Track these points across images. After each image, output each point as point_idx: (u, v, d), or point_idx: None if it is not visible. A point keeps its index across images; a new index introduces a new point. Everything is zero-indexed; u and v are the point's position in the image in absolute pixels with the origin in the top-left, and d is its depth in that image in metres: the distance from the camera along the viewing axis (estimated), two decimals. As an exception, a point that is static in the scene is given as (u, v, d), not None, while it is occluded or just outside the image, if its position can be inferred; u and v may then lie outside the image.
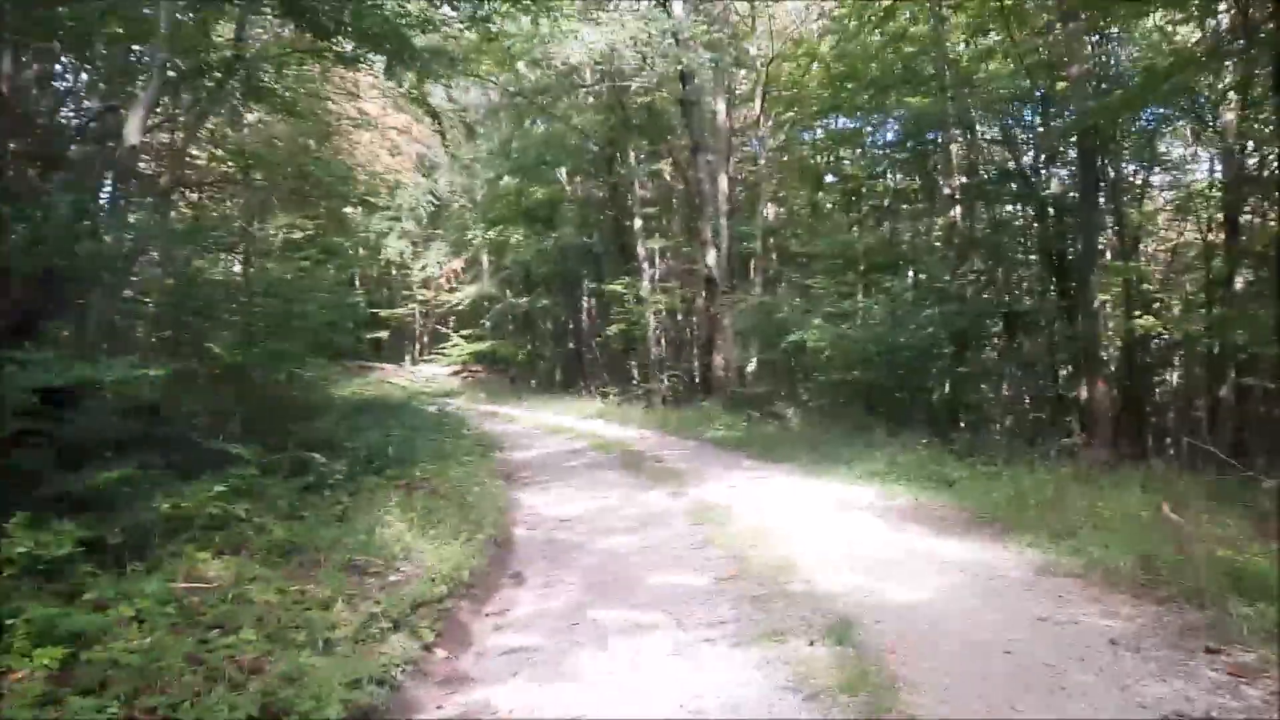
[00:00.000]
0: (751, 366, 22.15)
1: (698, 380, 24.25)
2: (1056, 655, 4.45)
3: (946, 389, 16.00)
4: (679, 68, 18.34)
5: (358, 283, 44.26)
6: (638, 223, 26.02)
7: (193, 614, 4.31)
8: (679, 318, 26.84)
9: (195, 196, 26.01)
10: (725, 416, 16.89)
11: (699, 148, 20.40)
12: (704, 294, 21.35)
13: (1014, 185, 18.99)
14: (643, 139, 26.24)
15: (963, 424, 15.30)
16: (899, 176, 24.17)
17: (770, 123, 24.54)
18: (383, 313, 41.76)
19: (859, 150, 23.94)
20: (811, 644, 4.65)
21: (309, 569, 5.45)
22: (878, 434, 13.02)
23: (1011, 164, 19.14)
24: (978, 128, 19.72)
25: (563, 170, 30.04)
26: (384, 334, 43.71)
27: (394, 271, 41.91)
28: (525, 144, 27.87)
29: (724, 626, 5.01)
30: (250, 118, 25.25)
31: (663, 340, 26.20)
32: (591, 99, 25.30)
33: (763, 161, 24.73)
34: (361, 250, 40.61)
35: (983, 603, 5.40)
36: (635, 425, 17.94)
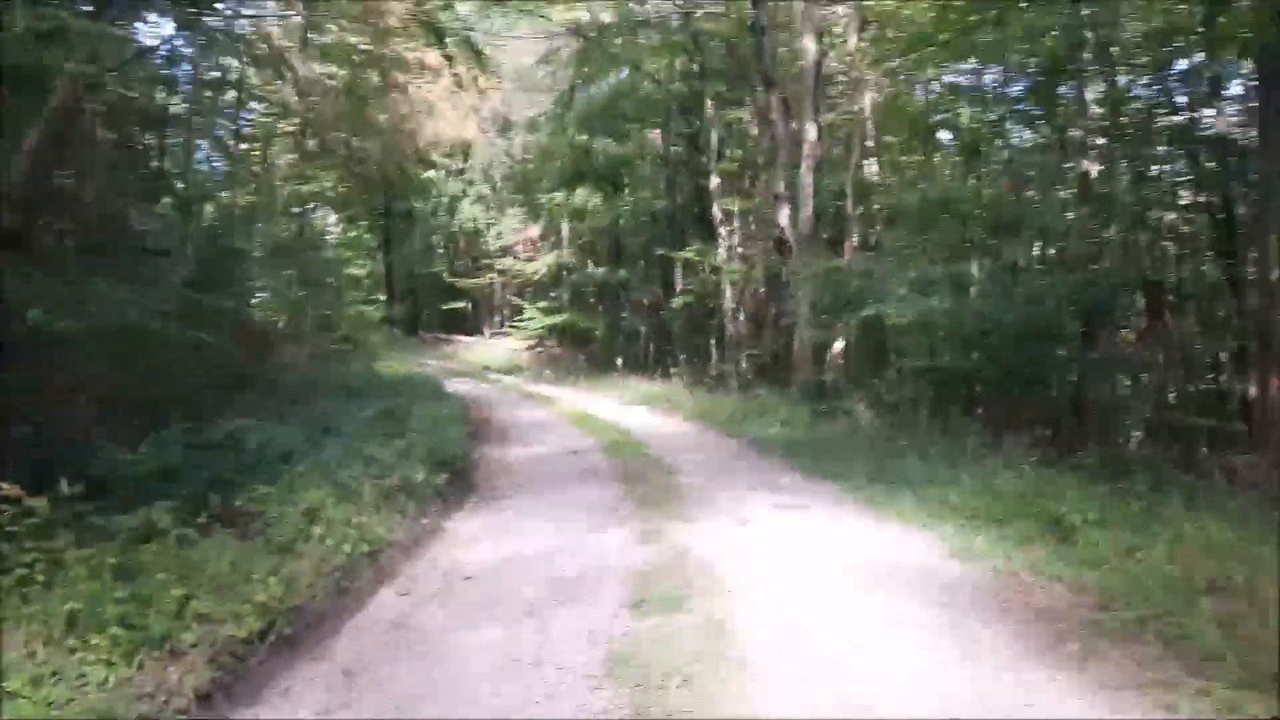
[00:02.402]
0: (838, 346, 18.59)
1: (779, 362, 21.04)
2: None
3: (1068, 382, 12.45)
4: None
5: (441, 249, 42.54)
6: (714, 181, 22.84)
7: None
8: (761, 290, 23.51)
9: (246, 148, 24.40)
10: (787, 409, 13.68)
11: (771, 81, 17.09)
12: (780, 260, 18.10)
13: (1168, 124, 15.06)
14: (721, 84, 22.99)
15: (1089, 431, 11.73)
16: (1025, 136, 20.53)
17: (867, 62, 20.87)
18: (460, 282, 39.76)
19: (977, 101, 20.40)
20: None
21: None
22: (971, 442, 9.68)
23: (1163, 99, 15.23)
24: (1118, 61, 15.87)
25: (641, 126, 27.01)
26: (463, 305, 41.77)
27: (479, 239, 39.66)
28: (593, 94, 25.00)
29: None
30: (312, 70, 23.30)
31: (741, 315, 22.92)
32: (659, 37, 22.16)
33: (859, 108, 21.10)
34: (440, 214, 38.85)
35: None
36: (681, 415, 14.88)
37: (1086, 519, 6.53)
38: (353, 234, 44.34)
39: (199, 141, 21.26)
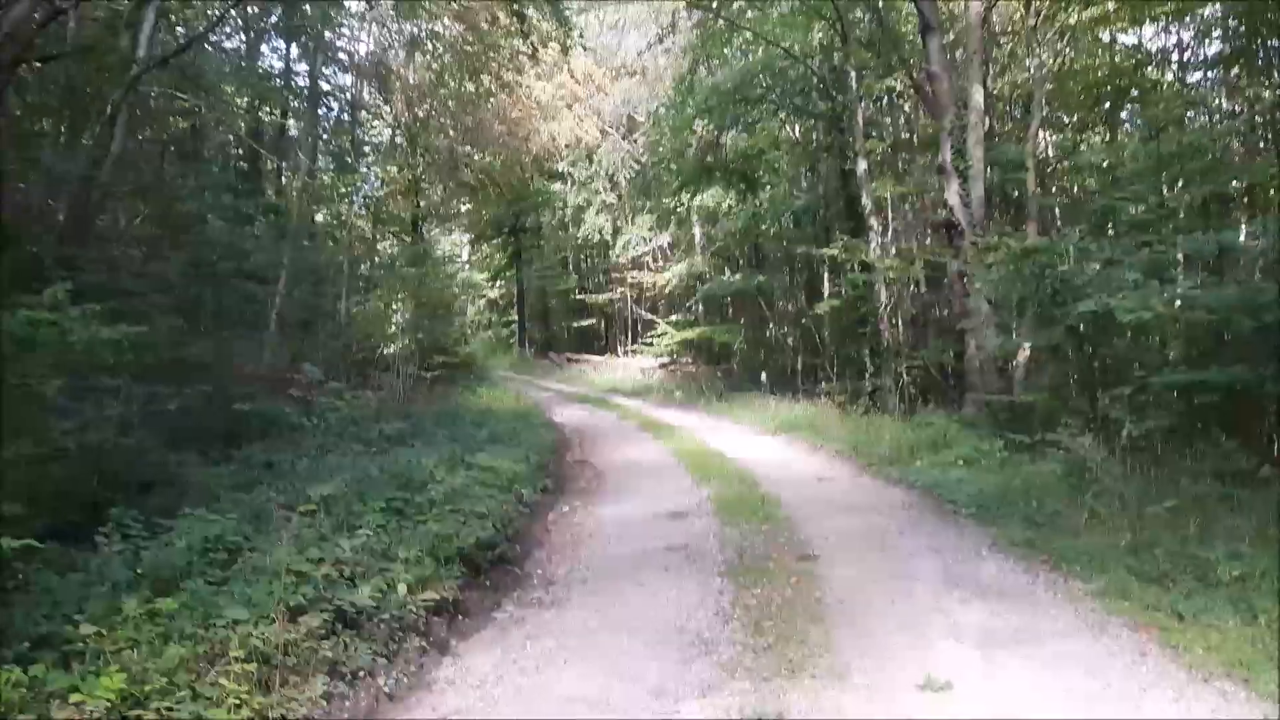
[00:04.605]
0: (1023, 355, 14.76)
1: (948, 375, 17.47)
2: None
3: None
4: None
5: (569, 265, 40.40)
6: (862, 165, 19.42)
7: None
8: (921, 289, 19.93)
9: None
10: (970, 439, 10.34)
11: (929, 27, 13.74)
12: (948, 247, 14.69)
13: None
14: (866, 53, 19.68)
15: None
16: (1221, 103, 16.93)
17: (1043, 14, 17.15)
18: (589, 299, 37.52)
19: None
20: None
21: None
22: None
23: None
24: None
25: (775, 109, 23.84)
26: (593, 322, 39.49)
27: (610, 252, 37.22)
28: (719, 78, 22.14)
29: None
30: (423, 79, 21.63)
31: (898, 320, 19.38)
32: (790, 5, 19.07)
33: (1039, 64, 17.37)
34: (569, 227, 36.75)
35: None
36: (829, 449, 11.70)
37: None
38: (483, 254, 42.97)
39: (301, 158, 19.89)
